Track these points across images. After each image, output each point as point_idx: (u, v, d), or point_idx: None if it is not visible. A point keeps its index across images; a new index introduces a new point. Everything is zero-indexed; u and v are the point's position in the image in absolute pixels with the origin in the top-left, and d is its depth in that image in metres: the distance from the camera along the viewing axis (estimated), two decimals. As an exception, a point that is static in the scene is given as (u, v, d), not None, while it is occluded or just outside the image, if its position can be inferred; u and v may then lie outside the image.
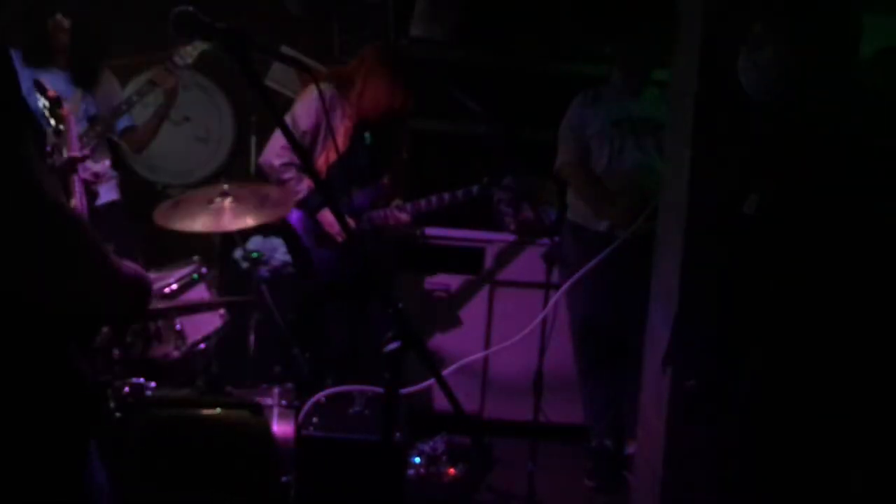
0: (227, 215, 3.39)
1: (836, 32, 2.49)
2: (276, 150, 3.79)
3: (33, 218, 1.30)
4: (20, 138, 1.29)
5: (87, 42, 3.71)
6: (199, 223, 3.36)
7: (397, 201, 3.89)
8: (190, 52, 3.76)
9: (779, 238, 2.54)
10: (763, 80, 2.50)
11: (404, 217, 3.84)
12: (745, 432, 2.69)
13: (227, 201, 3.41)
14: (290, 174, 3.75)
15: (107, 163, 3.70)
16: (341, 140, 3.77)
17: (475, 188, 3.80)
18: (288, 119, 3.75)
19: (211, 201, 3.41)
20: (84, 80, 3.71)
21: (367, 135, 3.84)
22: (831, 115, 2.50)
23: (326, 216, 3.75)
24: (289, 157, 3.75)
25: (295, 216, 3.84)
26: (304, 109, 3.78)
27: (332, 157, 3.76)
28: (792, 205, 2.52)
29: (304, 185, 3.75)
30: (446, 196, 3.81)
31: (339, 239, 3.76)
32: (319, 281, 3.89)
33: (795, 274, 2.53)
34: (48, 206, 1.31)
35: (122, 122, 3.83)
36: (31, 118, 1.30)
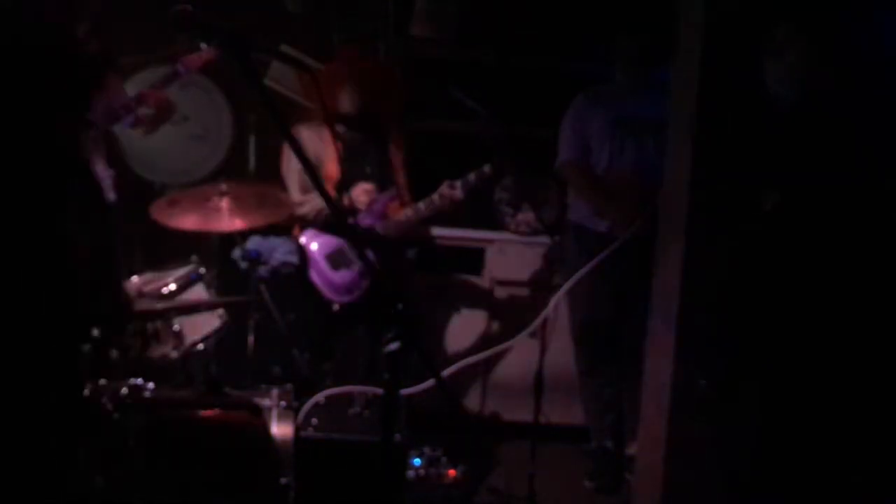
0: (224, 215, 3.39)
1: (852, 33, 2.50)
2: (290, 191, 3.83)
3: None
4: None
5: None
6: (194, 222, 3.36)
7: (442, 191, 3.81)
8: (193, 60, 3.77)
9: (794, 236, 2.54)
10: (786, 82, 2.51)
11: (458, 194, 3.76)
12: (749, 432, 2.69)
13: (225, 201, 3.41)
14: (303, 209, 3.79)
15: (100, 166, 3.69)
16: (334, 167, 3.78)
17: (486, 167, 3.77)
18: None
19: (208, 200, 3.41)
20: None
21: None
22: (852, 114, 2.51)
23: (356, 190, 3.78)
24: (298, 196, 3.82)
25: (318, 241, 3.83)
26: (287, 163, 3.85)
27: (333, 183, 3.77)
28: (808, 203, 2.53)
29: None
30: (472, 177, 3.76)
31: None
32: (340, 302, 3.86)
33: (808, 273, 2.53)
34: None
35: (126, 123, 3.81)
36: None
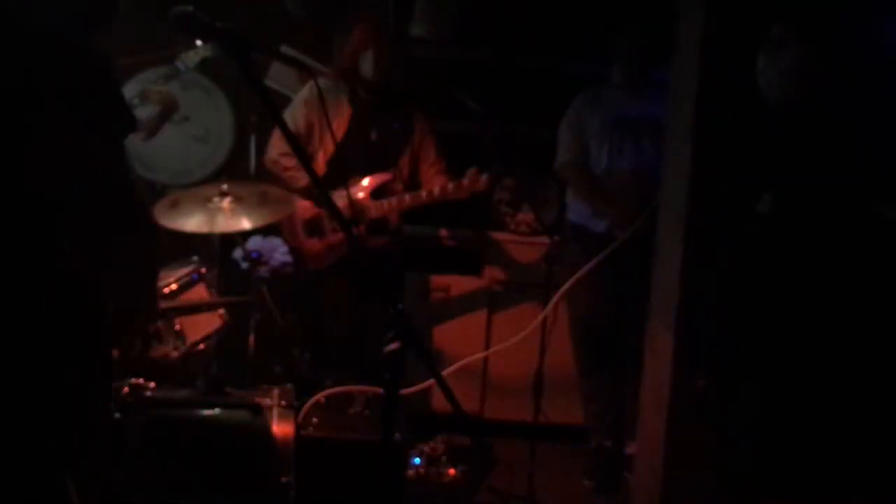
0: (226, 216, 3.39)
1: (850, 33, 2.50)
2: (274, 144, 3.90)
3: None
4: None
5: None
6: (196, 223, 3.36)
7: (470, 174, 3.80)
8: (192, 57, 3.79)
9: (792, 237, 2.54)
10: (782, 82, 2.51)
11: (482, 183, 3.76)
12: (749, 432, 2.69)
13: (227, 201, 3.41)
14: (290, 163, 3.82)
15: None
16: (340, 129, 3.78)
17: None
18: (286, 117, 3.82)
19: (209, 200, 3.41)
20: None
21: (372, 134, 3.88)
22: (846, 115, 2.51)
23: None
24: (286, 147, 3.84)
25: (300, 205, 3.86)
26: (291, 112, 3.85)
27: (330, 150, 3.77)
28: (805, 204, 2.53)
29: (304, 174, 3.77)
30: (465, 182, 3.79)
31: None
32: (311, 270, 3.91)
33: (807, 274, 2.53)
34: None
35: None
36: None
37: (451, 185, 3.77)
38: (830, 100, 2.53)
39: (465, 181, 3.76)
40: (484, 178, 3.75)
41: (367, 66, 3.80)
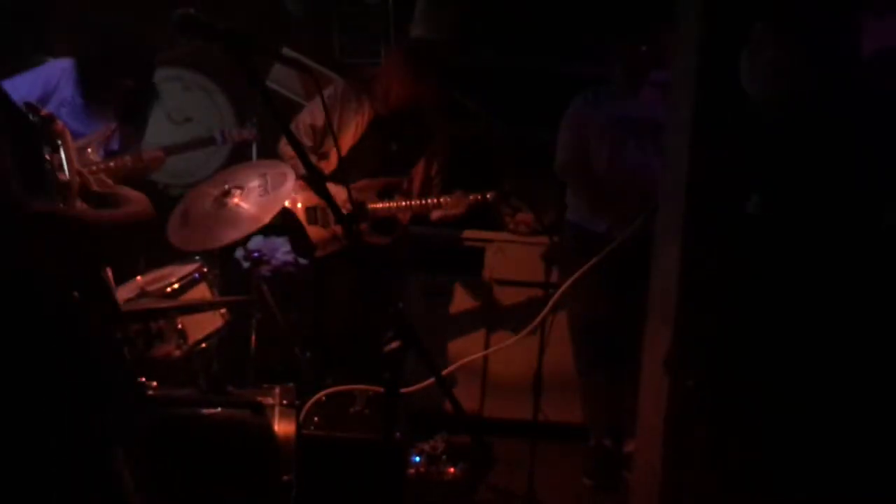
0: (244, 214, 3.34)
1: (836, 33, 2.50)
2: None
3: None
4: None
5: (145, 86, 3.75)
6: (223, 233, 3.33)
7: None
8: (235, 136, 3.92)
9: (781, 238, 2.55)
10: (764, 81, 2.51)
11: (463, 205, 3.87)
12: (746, 432, 2.70)
13: (236, 199, 3.37)
14: (294, 152, 3.88)
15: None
16: (352, 133, 3.82)
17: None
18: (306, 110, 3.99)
19: (223, 206, 3.35)
20: (129, 118, 3.71)
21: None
22: (832, 115, 2.51)
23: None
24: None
25: (303, 194, 3.91)
26: (310, 107, 3.95)
27: (345, 148, 3.81)
28: (794, 205, 2.53)
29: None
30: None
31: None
32: (313, 270, 3.95)
33: (798, 274, 2.54)
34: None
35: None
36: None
37: (444, 200, 3.87)
38: (828, 100, 2.54)
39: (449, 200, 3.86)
40: (467, 200, 3.83)
41: (397, 96, 3.86)
